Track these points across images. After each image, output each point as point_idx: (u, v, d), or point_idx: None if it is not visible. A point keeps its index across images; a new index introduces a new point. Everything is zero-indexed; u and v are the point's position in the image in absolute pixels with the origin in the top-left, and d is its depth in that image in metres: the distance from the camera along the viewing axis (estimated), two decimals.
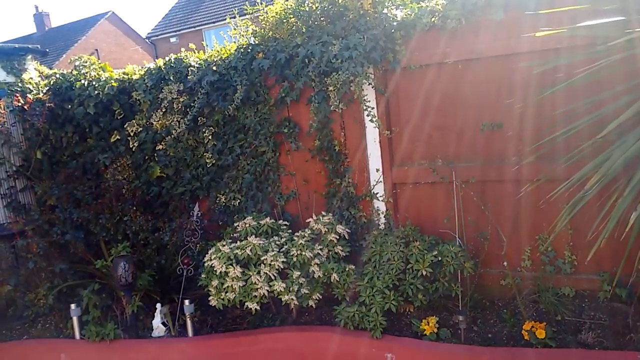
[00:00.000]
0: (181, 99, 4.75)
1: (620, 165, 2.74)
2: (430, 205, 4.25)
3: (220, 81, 4.53)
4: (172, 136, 4.83)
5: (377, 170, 4.35)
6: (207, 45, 6.09)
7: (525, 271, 3.99)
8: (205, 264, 4.04)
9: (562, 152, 3.37)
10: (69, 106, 5.10)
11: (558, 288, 3.86)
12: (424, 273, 3.85)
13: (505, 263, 3.75)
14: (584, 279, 3.84)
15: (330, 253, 4.15)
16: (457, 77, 3.97)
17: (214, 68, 4.56)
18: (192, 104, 4.63)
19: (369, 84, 4.10)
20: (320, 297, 4.00)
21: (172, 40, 20.35)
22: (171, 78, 4.75)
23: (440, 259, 3.88)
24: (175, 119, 4.80)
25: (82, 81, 5.08)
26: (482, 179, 3.97)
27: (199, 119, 4.72)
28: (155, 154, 4.98)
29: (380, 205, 4.41)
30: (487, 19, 3.78)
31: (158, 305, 4.34)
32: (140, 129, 4.97)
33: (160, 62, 4.87)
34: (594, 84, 3.15)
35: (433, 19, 3.91)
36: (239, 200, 4.74)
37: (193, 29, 19.85)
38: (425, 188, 4.25)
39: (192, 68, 4.65)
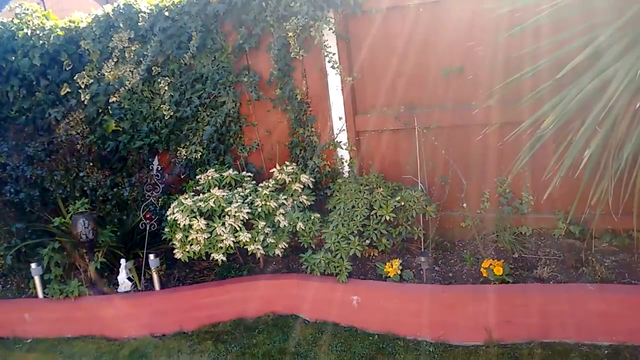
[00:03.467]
0: (133, 48, 4.51)
1: (574, 106, 2.79)
2: (394, 152, 4.28)
3: (173, 27, 4.31)
4: (126, 88, 4.61)
5: (340, 118, 4.31)
6: None
7: (484, 212, 4.11)
8: (169, 218, 3.99)
9: (522, 94, 3.40)
10: (13, 58, 4.77)
11: (516, 227, 4.01)
12: (388, 218, 3.92)
13: (464, 205, 3.85)
14: (540, 218, 3.99)
15: (295, 202, 4.15)
16: (420, 21, 3.89)
17: (167, 13, 4.32)
18: (145, 53, 4.41)
19: (330, 28, 3.99)
20: (287, 245, 4.03)
21: None
22: (121, 25, 4.48)
23: (403, 204, 3.95)
24: (128, 69, 4.57)
25: (25, 30, 4.73)
26: (443, 124, 3.99)
27: (153, 68, 4.51)
28: (109, 107, 4.77)
29: (344, 153, 4.41)
30: None
31: (122, 261, 4.28)
32: (92, 80, 4.73)
33: (108, 8, 4.58)
34: (554, 25, 3.14)
35: None
36: (200, 153, 4.63)
37: None
38: (389, 135, 4.25)
39: (142, 14, 4.39)
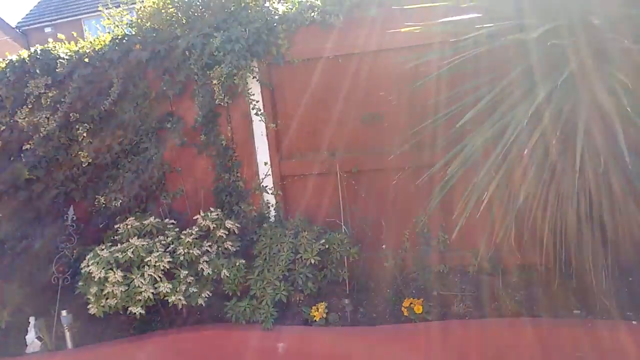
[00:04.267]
0: (50, 94, 4.37)
1: (477, 152, 3.04)
2: (318, 196, 4.37)
3: (93, 74, 4.25)
4: (41, 134, 4.42)
5: (266, 163, 4.37)
6: (91, 35, 5.67)
7: (405, 252, 4.26)
8: (83, 271, 3.79)
9: (432, 140, 3.64)
10: None
11: (435, 265, 4.18)
12: (313, 261, 3.96)
13: (384, 246, 3.99)
14: (456, 255, 4.20)
15: (220, 249, 4.10)
16: (339, 71, 4.11)
17: (87, 60, 4.26)
18: (62, 99, 4.28)
19: (254, 77, 4.11)
20: (211, 294, 3.94)
21: (47, 30, 18.50)
22: (37, 71, 4.35)
23: (327, 246, 4.02)
24: (44, 116, 4.40)
25: None
26: (363, 169, 4.16)
27: (71, 115, 4.37)
28: (22, 155, 4.53)
29: (270, 198, 4.45)
30: (363, 15, 3.96)
31: (31, 319, 3.99)
32: (3, 127, 4.49)
33: (25, 53, 4.44)
34: (458, 78, 3.44)
35: (313, 14, 4.01)
36: (120, 201, 4.47)
37: (71, 18, 18.16)
38: (313, 179, 4.36)
39: (61, 60, 4.30)
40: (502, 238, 3.22)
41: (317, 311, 3.84)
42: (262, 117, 4.16)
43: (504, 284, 3.89)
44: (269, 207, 4.46)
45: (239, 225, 4.24)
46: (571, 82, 2.66)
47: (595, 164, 2.73)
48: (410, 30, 3.18)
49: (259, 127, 4.30)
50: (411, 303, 3.72)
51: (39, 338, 3.98)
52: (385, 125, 4.07)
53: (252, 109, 4.15)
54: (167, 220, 4.30)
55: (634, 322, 3.35)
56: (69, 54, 4.36)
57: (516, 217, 3.13)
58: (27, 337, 3.97)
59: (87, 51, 4.32)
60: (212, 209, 4.22)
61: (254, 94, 4.14)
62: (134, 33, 4.31)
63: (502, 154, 2.78)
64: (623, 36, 2.54)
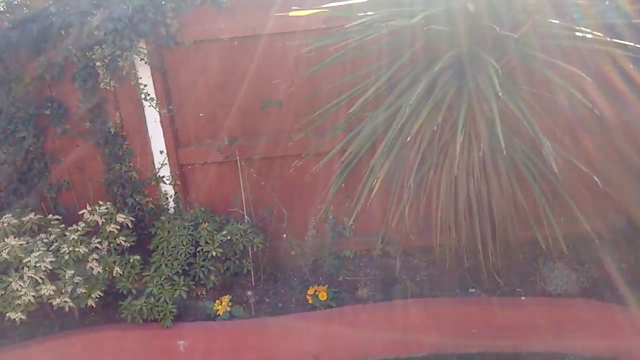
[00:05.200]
0: None
1: (371, 137, 3.01)
2: (219, 185, 4.19)
3: None
4: None
5: (161, 152, 4.10)
6: None
7: (311, 239, 4.21)
8: None
9: (331, 126, 3.58)
10: None
11: (340, 251, 4.18)
12: (215, 254, 3.79)
13: (285, 235, 3.92)
14: (361, 240, 4.22)
15: (112, 245, 3.81)
16: (236, 54, 3.90)
17: None
18: None
19: (142, 59, 3.80)
20: (103, 294, 3.66)
21: None
22: None
23: (230, 237, 3.86)
24: None
25: None
26: (264, 156, 4.03)
27: None
28: None
29: (168, 188, 4.20)
30: None
31: None
32: None
33: None
34: (354, 63, 3.39)
35: None
36: None
37: None
38: (213, 168, 4.16)
39: None
40: (399, 221, 3.24)
41: (221, 305, 3.70)
42: (152, 103, 3.88)
43: (405, 267, 3.97)
44: (167, 198, 4.21)
45: (133, 219, 3.95)
46: (456, 69, 2.69)
47: (479, 147, 2.80)
48: (298, 14, 3.06)
49: (152, 114, 4.00)
50: (316, 290, 3.69)
51: None
52: (284, 111, 3.94)
53: (141, 93, 3.85)
54: (50, 216, 3.93)
55: (522, 298, 3.55)
56: None
57: (411, 200, 3.17)
58: None
59: None
60: (100, 202, 3.89)
61: (141, 77, 3.84)
62: (2, 9, 3.82)
63: (393, 138, 2.77)
64: (496, 23, 2.60)
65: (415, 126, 2.54)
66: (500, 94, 2.25)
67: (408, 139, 2.62)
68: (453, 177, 2.94)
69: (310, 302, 3.68)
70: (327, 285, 3.76)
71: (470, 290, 3.68)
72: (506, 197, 3.12)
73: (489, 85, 2.46)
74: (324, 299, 3.66)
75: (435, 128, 2.67)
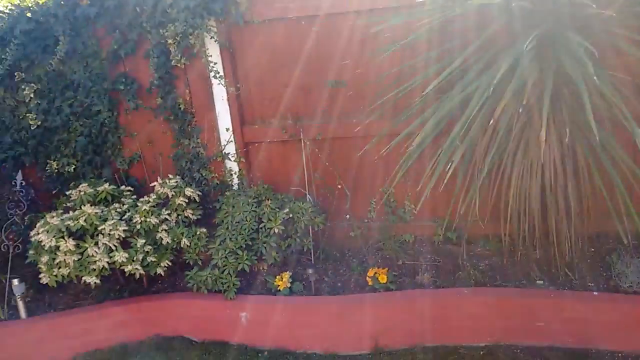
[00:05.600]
0: None
1: (444, 120, 2.92)
2: (282, 163, 4.23)
3: (38, 30, 3.92)
4: None
5: (227, 129, 4.18)
6: None
7: (371, 222, 4.19)
8: (33, 239, 3.60)
9: (398, 108, 3.50)
10: None
11: (400, 235, 4.13)
12: (277, 231, 3.85)
13: (348, 216, 3.90)
14: (422, 225, 4.14)
15: (180, 217, 3.94)
16: (302, 33, 3.87)
17: (29, 15, 3.92)
18: (4, 57, 3.96)
19: (212, 37, 3.85)
20: (171, 263, 3.82)
21: None
22: None
23: (292, 215, 3.90)
24: None
25: None
26: (328, 136, 4.01)
27: (16, 73, 4.06)
28: None
29: (232, 165, 4.28)
30: None
31: None
32: None
33: None
34: (425, 43, 3.27)
35: None
36: (74, 166, 4.25)
37: None
38: (277, 146, 4.19)
39: (1, 14, 3.95)
40: (466, 208, 3.16)
41: (281, 281, 3.77)
42: (221, 81, 3.93)
43: (468, 254, 3.87)
44: (231, 175, 4.30)
45: (199, 193, 4.07)
46: (538, 50, 2.53)
47: (561, 134, 2.65)
48: None
49: (220, 91, 4.07)
50: (376, 272, 3.68)
51: None
52: (350, 91, 3.89)
53: (210, 71, 3.91)
54: (123, 187, 4.11)
55: (595, 293, 3.38)
56: (9, 7, 4.01)
57: (481, 187, 3.06)
58: None
59: (30, 5, 3.97)
60: (170, 175, 4.03)
61: (211, 55, 3.89)
62: None
63: (467, 124, 2.67)
64: (593, 1, 2.42)
65: (500, 107, 2.42)
66: (595, 77, 2.11)
67: (490, 122, 2.50)
68: (529, 164, 2.81)
69: (370, 283, 3.67)
70: (387, 268, 3.74)
71: (538, 282, 3.54)
72: (584, 186, 2.95)
73: (577, 67, 2.30)
74: (384, 281, 3.64)
75: (520, 110, 2.53)
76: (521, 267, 3.67)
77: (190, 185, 4.12)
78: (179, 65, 3.92)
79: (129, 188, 4.11)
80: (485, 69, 2.71)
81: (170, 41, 3.81)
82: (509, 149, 2.85)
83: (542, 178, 2.99)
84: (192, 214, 3.97)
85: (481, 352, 3.38)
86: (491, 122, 2.56)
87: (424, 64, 3.27)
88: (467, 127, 2.68)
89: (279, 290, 3.76)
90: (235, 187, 4.31)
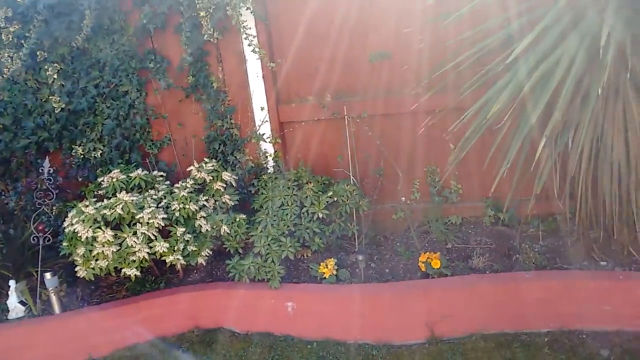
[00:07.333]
0: (12, 29, 3.75)
1: (508, 96, 2.69)
2: (322, 143, 4.01)
3: (62, 5, 3.65)
4: (5, 76, 3.85)
5: (262, 108, 3.94)
6: None
7: (415, 203, 3.99)
8: (66, 230, 3.39)
9: (456, 84, 3.26)
10: None
11: (446, 217, 3.94)
12: (320, 215, 3.66)
13: (403, 198, 3.70)
14: (469, 206, 3.95)
15: (218, 203, 3.74)
16: (346, 5, 3.61)
17: None
18: (27, 35, 3.69)
19: (247, 8, 3.58)
20: (210, 252, 3.63)
21: None
22: None
23: (335, 199, 3.70)
24: (6, 55, 3.81)
25: None
26: (374, 113, 3.78)
27: (38, 53, 3.80)
28: None
29: (268, 147, 4.06)
30: None
31: (12, 283, 3.62)
32: None
33: None
34: (481, 11, 3.02)
35: None
36: (100, 151, 4.02)
37: None
38: (316, 126, 3.97)
39: None
40: (520, 186, 2.94)
41: (327, 268, 3.58)
42: (259, 54, 3.68)
43: (522, 235, 3.69)
44: (266, 157, 4.09)
45: (235, 177, 3.86)
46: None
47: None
48: None
49: (254, 68, 3.83)
50: (428, 257, 3.49)
51: (21, 302, 3.64)
52: (396, 65, 3.64)
53: (248, 45, 3.66)
54: (154, 172, 3.89)
55: None
56: None
57: (536, 164, 2.85)
58: (8, 302, 3.62)
59: None
60: (206, 159, 3.81)
61: (249, 28, 3.63)
62: None
63: (542, 94, 2.44)
64: None
65: (605, 73, 2.15)
66: None
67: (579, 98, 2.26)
68: (590, 138, 2.57)
69: (422, 269, 3.49)
70: (438, 253, 3.55)
71: (602, 263, 3.36)
72: None
73: None
74: (437, 266, 3.45)
75: (602, 85, 2.29)
76: (579, 248, 3.49)
77: (225, 169, 3.90)
78: (211, 40, 3.66)
79: (161, 173, 3.89)
80: (567, 32, 2.46)
81: (202, 13, 3.54)
82: (571, 123, 2.60)
83: (609, 153, 2.74)
84: (230, 200, 3.77)
85: (545, 339, 3.21)
86: (579, 98, 2.32)
87: (483, 34, 3.02)
88: (540, 101, 2.45)
89: (325, 277, 3.57)
90: (270, 170, 4.11)
